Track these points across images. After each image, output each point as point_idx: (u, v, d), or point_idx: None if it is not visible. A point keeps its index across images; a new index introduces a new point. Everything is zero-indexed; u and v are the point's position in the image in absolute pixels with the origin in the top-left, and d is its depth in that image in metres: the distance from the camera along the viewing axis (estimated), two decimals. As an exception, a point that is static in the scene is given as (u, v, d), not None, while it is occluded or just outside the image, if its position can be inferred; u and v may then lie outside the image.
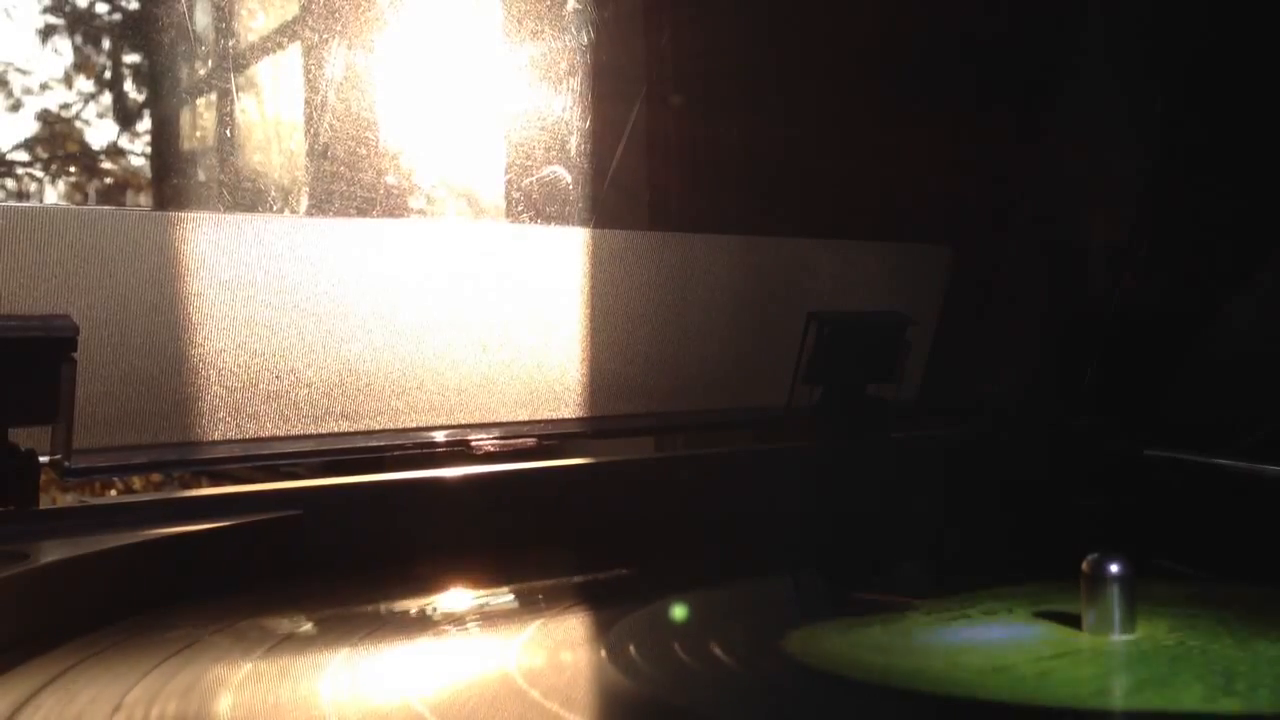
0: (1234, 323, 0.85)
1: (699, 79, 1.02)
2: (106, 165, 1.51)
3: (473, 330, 0.74)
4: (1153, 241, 0.88)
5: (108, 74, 1.53)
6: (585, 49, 0.94)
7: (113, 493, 1.06)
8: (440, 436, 0.73)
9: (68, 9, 1.48)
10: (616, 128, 0.99)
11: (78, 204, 1.42)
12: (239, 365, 0.67)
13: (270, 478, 0.75)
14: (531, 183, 0.91)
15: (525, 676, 0.45)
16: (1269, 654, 0.45)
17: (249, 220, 0.68)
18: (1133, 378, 0.87)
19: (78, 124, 1.54)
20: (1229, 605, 0.53)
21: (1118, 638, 0.47)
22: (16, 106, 1.49)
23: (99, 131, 1.53)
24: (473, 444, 0.72)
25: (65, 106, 1.53)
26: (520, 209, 0.91)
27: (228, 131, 0.93)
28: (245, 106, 0.98)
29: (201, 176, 1.10)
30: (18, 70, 1.47)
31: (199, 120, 1.05)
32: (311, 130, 0.83)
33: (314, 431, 0.69)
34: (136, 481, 1.23)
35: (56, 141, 1.52)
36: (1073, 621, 0.49)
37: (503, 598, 0.60)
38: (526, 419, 0.76)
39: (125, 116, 1.49)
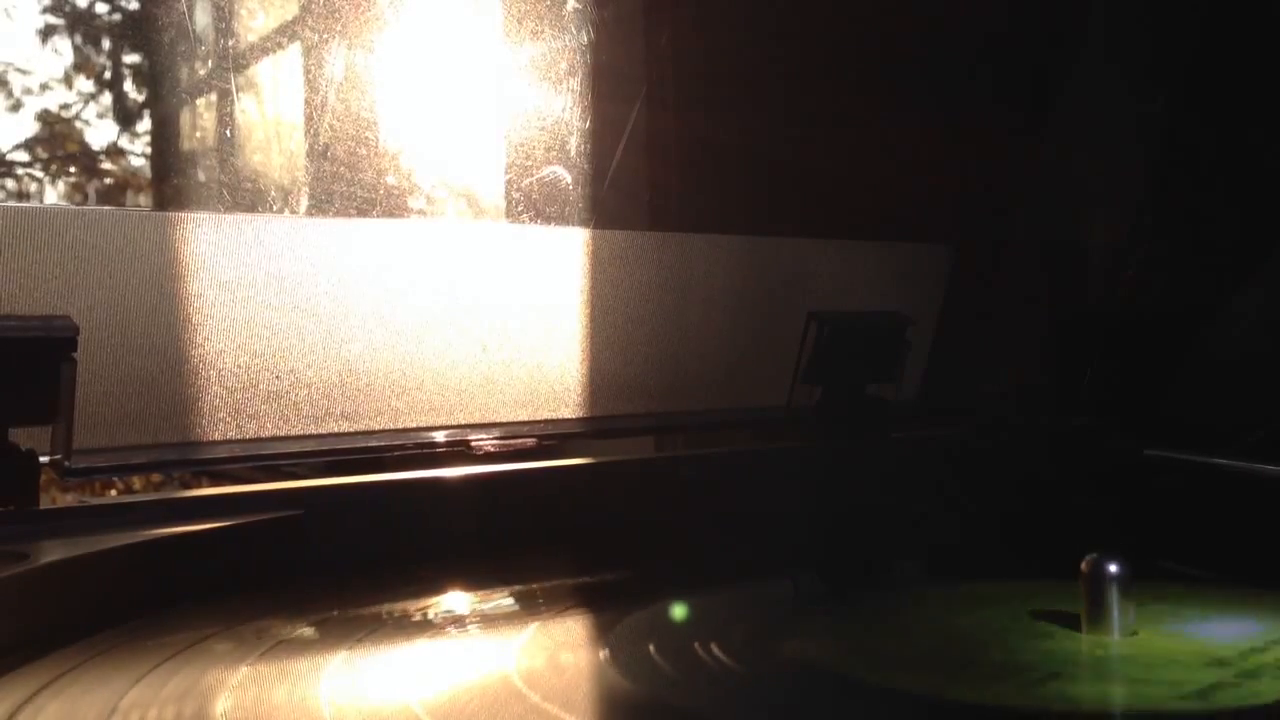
0: (1234, 323, 0.85)
1: (699, 79, 1.02)
2: (106, 165, 1.51)
3: (473, 330, 0.74)
4: (1153, 241, 0.88)
5: (108, 74, 1.53)
6: (585, 49, 0.94)
7: (113, 493, 1.06)
8: (440, 436, 0.73)
9: (68, 9, 1.48)
10: (616, 128, 0.99)
11: (78, 204, 1.42)
12: (239, 365, 0.67)
13: (270, 478, 0.75)
14: (531, 183, 0.91)
15: (524, 678, 0.45)
16: (1269, 654, 0.45)
17: (249, 220, 0.68)
18: (1133, 378, 0.87)
19: (78, 124, 1.54)
20: (1229, 605, 0.53)
21: (1117, 638, 0.47)
22: (16, 106, 1.49)
23: (99, 131, 1.53)
24: (473, 444, 0.72)
25: (65, 106, 1.53)
26: (520, 209, 0.91)
27: (228, 131, 0.93)
28: (245, 106, 0.98)
29: (201, 176, 1.10)
30: (18, 70, 1.47)
31: (199, 120, 1.05)
32: (311, 130, 0.83)
33: (314, 432, 0.69)
34: (136, 481, 1.23)
35: (56, 141, 1.53)
36: (1072, 621, 0.49)
37: (502, 599, 0.60)
38: (526, 419, 0.76)
39: (125, 116, 1.49)
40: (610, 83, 0.97)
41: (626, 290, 0.80)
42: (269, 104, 1.02)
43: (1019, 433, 0.85)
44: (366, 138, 0.83)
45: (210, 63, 0.92)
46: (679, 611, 0.55)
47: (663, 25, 1.02)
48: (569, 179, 0.93)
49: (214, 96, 0.97)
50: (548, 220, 0.92)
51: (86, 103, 1.54)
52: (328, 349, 0.69)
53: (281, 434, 0.68)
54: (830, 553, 0.71)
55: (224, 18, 0.89)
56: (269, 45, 1.01)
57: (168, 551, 0.56)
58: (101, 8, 1.51)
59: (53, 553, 0.52)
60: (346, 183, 0.82)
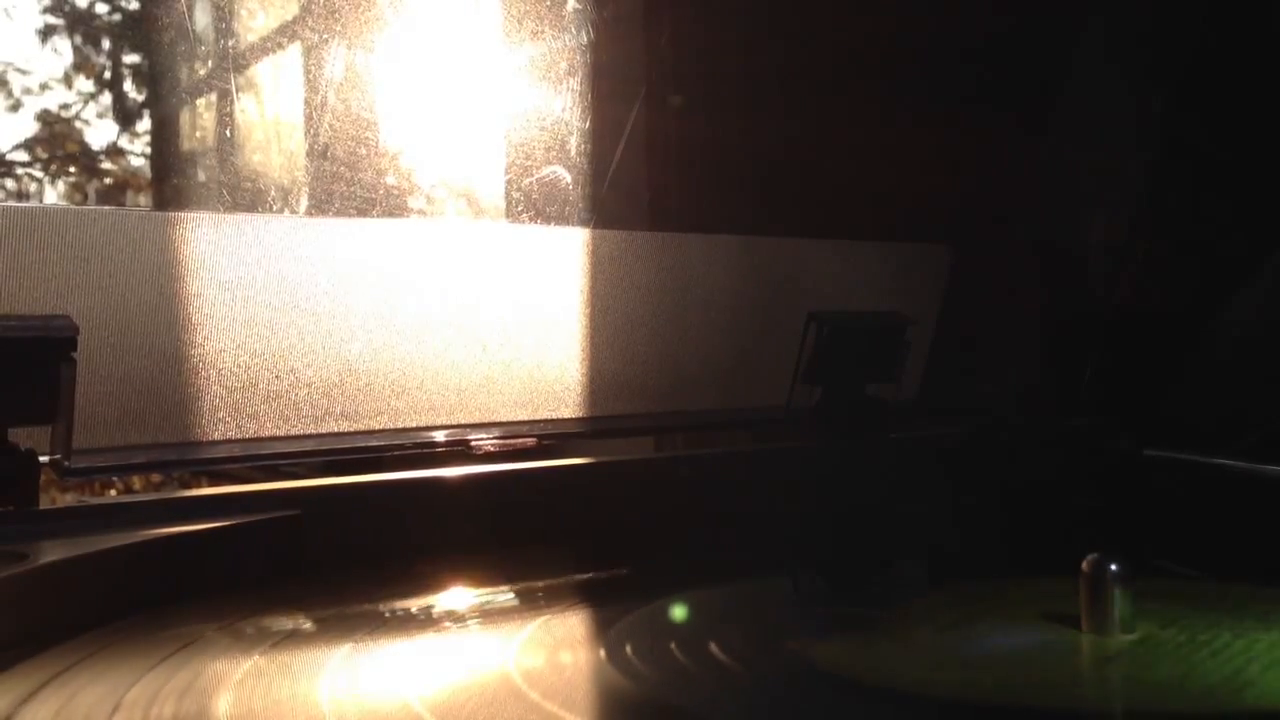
0: (1234, 323, 0.85)
1: (699, 79, 1.02)
2: (106, 165, 1.51)
3: (473, 330, 0.74)
4: (1152, 241, 0.88)
5: (108, 74, 1.53)
6: (585, 49, 0.94)
7: (113, 493, 1.06)
8: (440, 436, 0.73)
9: (68, 9, 1.48)
10: (616, 128, 0.99)
11: (78, 204, 1.42)
12: (239, 365, 0.67)
13: (270, 478, 0.75)
14: (531, 183, 0.91)
15: (524, 676, 0.45)
16: (1269, 654, 0.45)
17: (249, 220, 0.68)
18: (1132, 377, 0.87)
19: (78, 124, 1.54)
20: (1229, 605, 0.53)
21: (1117, 638, 0.47)
22: (16, 106, 1.49)
23: (99, 131, 1.53)
24: (473, 444, 0.72)
25: (65, 106, 1.53)
26: (520, 209, 0.91)
27: (228, 131, 0.93)
28: (245, 106, 0.99)
29: (201, 176, 1.10)
30: (18, 70, 1.47)
31: (199, 120, 1.05)
32: (311, 130, 0.83)
33: (314, 431, 0.69)
34: (136, 481, 1.24)
35: (56, 141, 1.53)
36: (1073, 622, 0.49)
37: (502, 597, 0.60)
38: (526, 419, 0.76)
39: (125, 116, 1.49)
40: (610, 83, 0.97)
41: (626, 290, 0.80)
42: (269, 104, 1.02)
43: (1019, 433, 0.85)
44: (366, 138, 0.83)
45: (210, 63, 0.92)
46: (678, 611, 0.55)
47: (663, 25, 1.02)
48: (569, 179, 0.93)
49: (214, 96, 0.97)
50: (548, 220, 0.92)
51: (86, 103, 1.54)
52: (328, 349, 0.69)
53: (281, 434, 0.68)
54: (830, 553, 0.71)
55: (224, 18, 0.89)
56: (269, 45, 1.01)
57: (168, 551, 0.56)
58: (101, 8, 1.51)
59: (52, 553, 0.52)
60: (346, 183, 0.82)
